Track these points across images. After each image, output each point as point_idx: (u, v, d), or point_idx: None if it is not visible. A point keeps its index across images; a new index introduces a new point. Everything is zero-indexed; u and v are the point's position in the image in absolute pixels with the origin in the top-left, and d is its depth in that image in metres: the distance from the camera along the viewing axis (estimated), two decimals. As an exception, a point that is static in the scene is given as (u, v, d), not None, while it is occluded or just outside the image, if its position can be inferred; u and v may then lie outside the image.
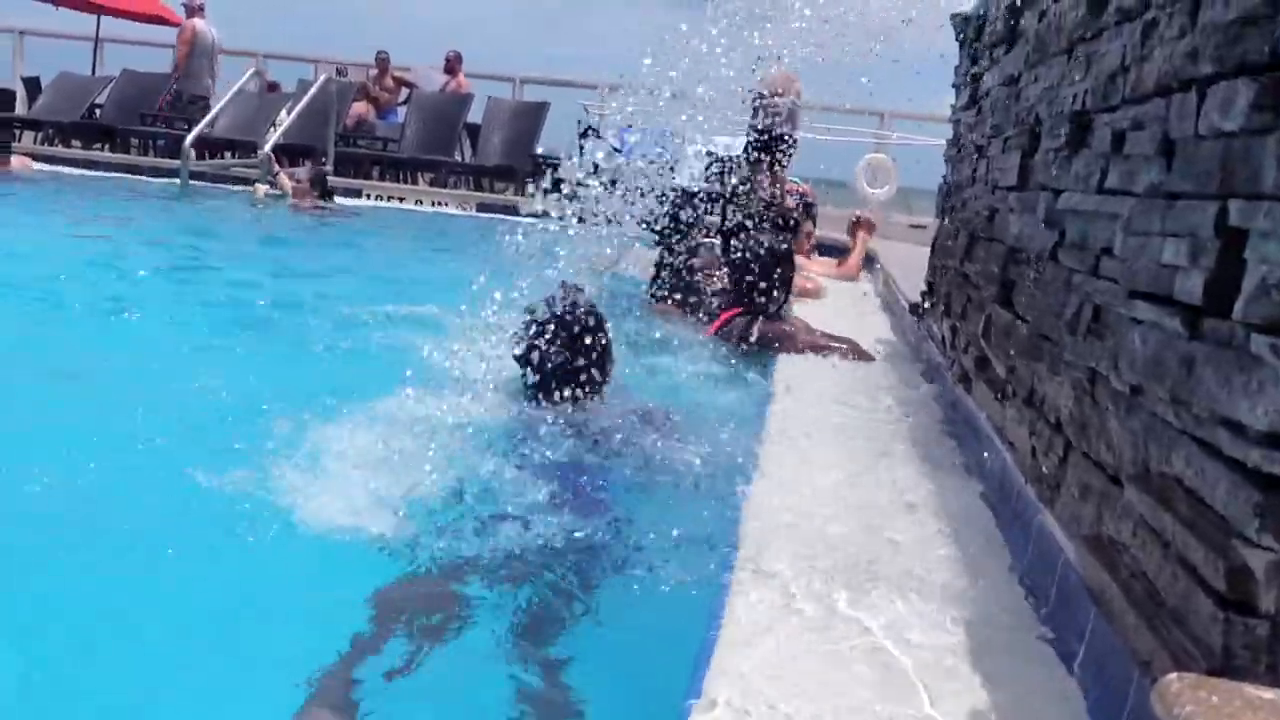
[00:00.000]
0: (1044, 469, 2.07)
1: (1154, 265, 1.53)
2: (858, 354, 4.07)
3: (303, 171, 9.75)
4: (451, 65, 13.50)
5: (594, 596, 1.99)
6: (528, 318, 2.73)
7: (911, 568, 1.98)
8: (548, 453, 2.40)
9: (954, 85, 4.38)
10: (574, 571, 2.03)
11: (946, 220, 4.11)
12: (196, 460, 2.31)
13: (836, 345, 4.13)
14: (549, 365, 2.66)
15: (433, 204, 10.55)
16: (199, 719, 1.61)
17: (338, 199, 9.58)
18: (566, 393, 2.67)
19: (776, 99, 6.52)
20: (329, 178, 9.84)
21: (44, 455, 2.37)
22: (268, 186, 9.75)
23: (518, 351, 2.71)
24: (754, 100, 6.13)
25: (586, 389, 2.70)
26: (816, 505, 2.29)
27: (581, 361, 2.69)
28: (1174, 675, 1.17)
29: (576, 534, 2.12)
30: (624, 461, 2.54)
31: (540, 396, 2.70)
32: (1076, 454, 1.88)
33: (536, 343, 2.67)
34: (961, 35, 4.15)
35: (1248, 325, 1.24)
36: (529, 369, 2.70)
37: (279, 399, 2.68)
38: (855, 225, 7.35)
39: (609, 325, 2.83)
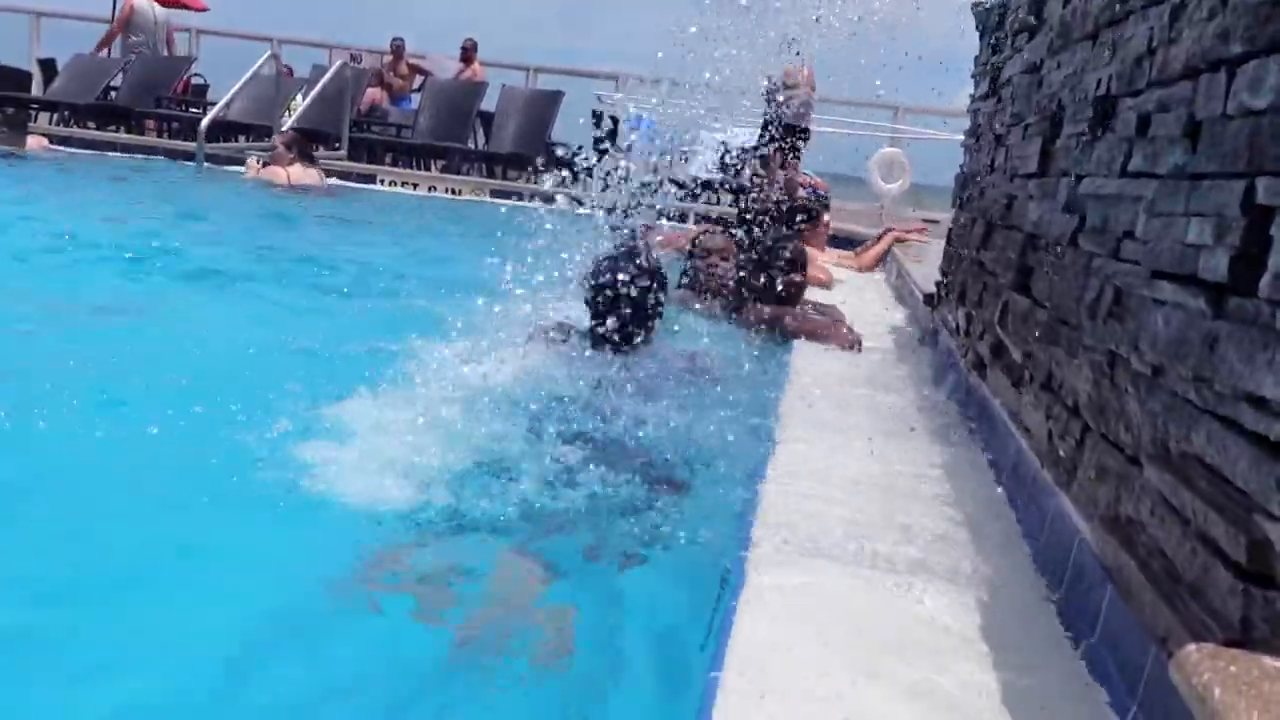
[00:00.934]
0: (1060, 452, 2.07)
1: (1178, 246, 1.54)
2: (844, 327, 4.33)
3: (279, 136, 9.16)
4: (467, 54, 13.50)
5: (614, 564, 2.00)
6: (599, 261, 2.94)
7: (927, 549, 1.99)
8: (584, 401, 2.47)
9: (973, 75, 4.37)
10: (598, 531, 2.05)
11: (963, 210, 4.11)
12: (230, 426, 2.33)
13: (829, 313, 4.50)
14: (612, 307, 2.88)
15: (447, 190, 10.54)
16: (229, 684, 1.62)
17: (345, 183, 9.48)
18: (624, 334, 2.89)
19: (791, 91, 6.51)
20: (337, 159, 9.62)
21: (59, 422, 2.39)
22: None
23: (586, 293, 2.94)
24: (768, 93, 6.12)
25: (641, 333, 2.95)
26: (834, 487, 2.30)
27: (641, 307, 2.91)
28: (1193, 645, 1.18)
29: (603, 490, 2.16)
30: (658, 414, 2.64)
31: (593, 338, 2.92)
32: (1094, 436, 1.88)
33: (604, 283, 2.89)
34: (982, 25, 4.14)
35: (1274, 302, 1.25)
36: (594, 309, 2.93)
37: (306, 363, 2.70)
38: (901, 228, 7.48)
39: (666, 276, 3.08)
